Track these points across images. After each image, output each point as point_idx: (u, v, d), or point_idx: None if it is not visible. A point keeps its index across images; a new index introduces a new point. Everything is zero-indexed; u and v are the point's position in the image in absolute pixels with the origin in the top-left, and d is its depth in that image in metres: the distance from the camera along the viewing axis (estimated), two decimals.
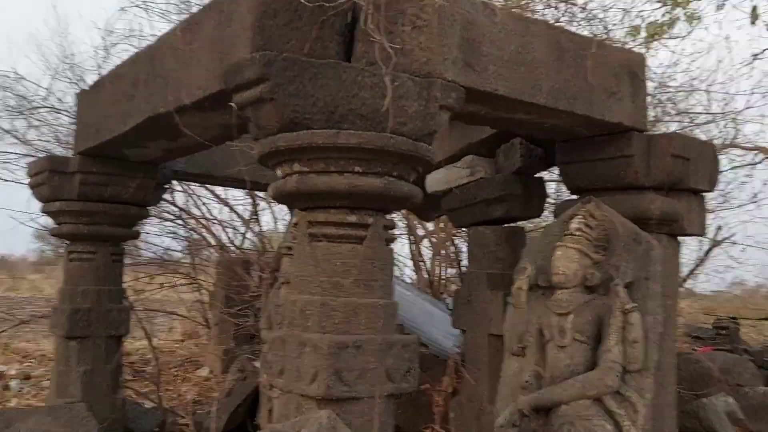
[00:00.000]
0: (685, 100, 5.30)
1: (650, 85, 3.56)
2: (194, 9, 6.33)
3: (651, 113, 3.56)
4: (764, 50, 4.62)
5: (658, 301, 2.96)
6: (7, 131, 6.39)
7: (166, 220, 7.28)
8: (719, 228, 6.98)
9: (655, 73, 4.41)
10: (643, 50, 4.08)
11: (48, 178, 4.11)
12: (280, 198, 2.33)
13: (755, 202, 6.66)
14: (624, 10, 4.37)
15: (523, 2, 3.90)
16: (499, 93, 2.65)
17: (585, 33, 3.51)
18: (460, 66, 2.54)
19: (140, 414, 4.70)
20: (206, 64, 2.77)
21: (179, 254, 8.34)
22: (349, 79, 2.27)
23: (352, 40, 2.53)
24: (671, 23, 5.66)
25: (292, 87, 2.20)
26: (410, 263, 7.00)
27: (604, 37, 3.40)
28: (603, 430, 2.80)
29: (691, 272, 7.31)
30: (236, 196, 7.54)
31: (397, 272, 6.23)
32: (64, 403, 4.04)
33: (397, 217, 5.84)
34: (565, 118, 3.01)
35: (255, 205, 6.68)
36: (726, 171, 5.94)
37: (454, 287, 5.91)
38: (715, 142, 5.13)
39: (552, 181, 5.17)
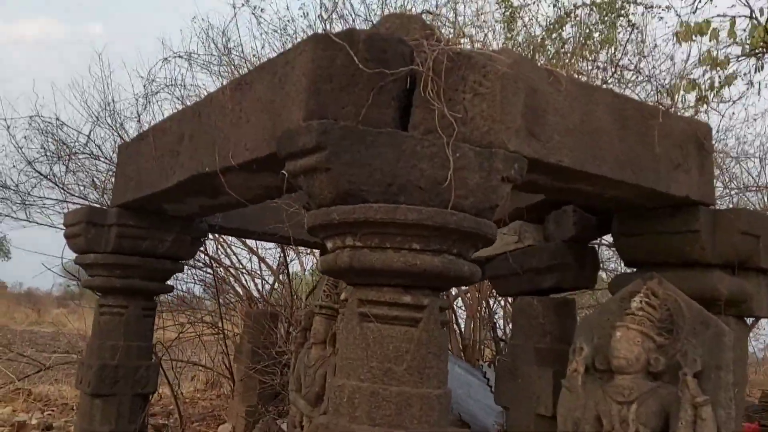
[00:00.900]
0: (738, 168, 5.10)
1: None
2: (238, 64, 6.38)
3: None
4: None
5: (730, 393, 2.72)
6: (45, 176, 6.39)
7: (195, 267, 7.20)
8: None
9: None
10: (701, 115, 3.93)
11: (84, 230, 4.03)
12: (330, 272, 2.17)
13: None
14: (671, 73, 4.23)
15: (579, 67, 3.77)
16: (564, 164, 2.50)
17: (649, 102, 3.35)
18: (524, 135, 2.40)
19: None
20: (256, 125, 2.67)
21: (207, 302, 8.25)
22: (407, 149, 2.13)
23: (408, 106, 2.41)
24: (722, 86, 5.52)
25: (348, 156, 2.07)
26: None
27: (668, 105, 3.23)
28: None
29: None
30: (266, 246, 7.46)
31: None
32: None
33: None
34: (629, 190, 2.84)
35: (285, 257, 6.56)
36: None
37: (488, 352, 5.67)
38: None
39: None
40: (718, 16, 5.33)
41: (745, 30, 5.53)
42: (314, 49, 2.24)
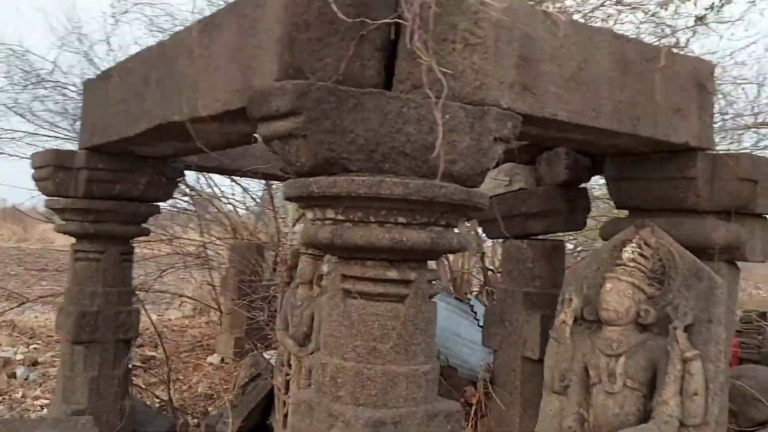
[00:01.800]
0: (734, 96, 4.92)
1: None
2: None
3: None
4: None
5: (721, 347, 2.68)
6: (10, 107, 6.08)
7: (174, 198, 7.03)
8: None
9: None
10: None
11: (52, 174, 3.83)
12: (312, 245, 2.04)
13: None
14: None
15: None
16: (559, 118, 2.33)
17: (651, 41, 3.14)
18: (517, 90, 2.21)
19: (149, 417, 4.51)
20: (226, 74, 2.46)
21: (192, 231, 8.13)
22: (393, 112, 1.95)
23: (394, 57, 2.21)
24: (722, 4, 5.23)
25: (328, 122, 1.89)
26: None
27: (671, 44, 3.03)
28: None
29: None
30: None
31: None
32: (70, 414, 3.86)
33: None
34: (627, 140, 2.69)
35: (269, 189, 6.39)
36: None
37: (476, 285, 5.64)
38: None
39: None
40: None
41: None
42: None
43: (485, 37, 2.13)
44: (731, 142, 5.28)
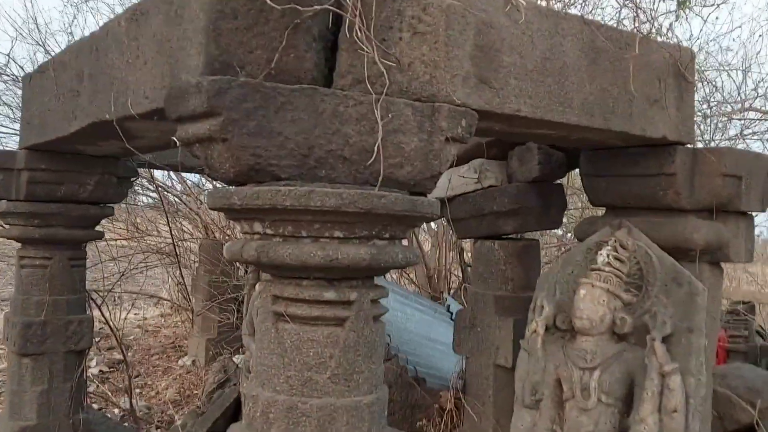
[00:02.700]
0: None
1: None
2: None
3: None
4: None
5: (702, 358, 2.47)
6: None
7: (140, 194, 6.78)
8: None
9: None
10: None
11: None
12: (239, 262, 1.80)
13: None
14: None
15: None
16: (522, 114, 2.10)
17: (630, 28, 2.91)
18: (473, 84, 1.98)
19: (108, 429, 4.27)
20: (154, 68, 2.21)
21: (163, 227, 7.86)
22: (328, 111, 1.72)
23: (335, 48, 1.97)
24: None
25: (252, 123, 1.65)
26: None
27: (648, 31, 2.81)
28: None
29: None
30: None
31: None
32: (18, 431, 3.63)
33: None
34: (599, 134, 2.47)
35: None
36: None
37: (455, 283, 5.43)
38: None
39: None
40: None
41: None
42: None
43: (435, 25, 1.90)
44: (716, 131, 5.08)
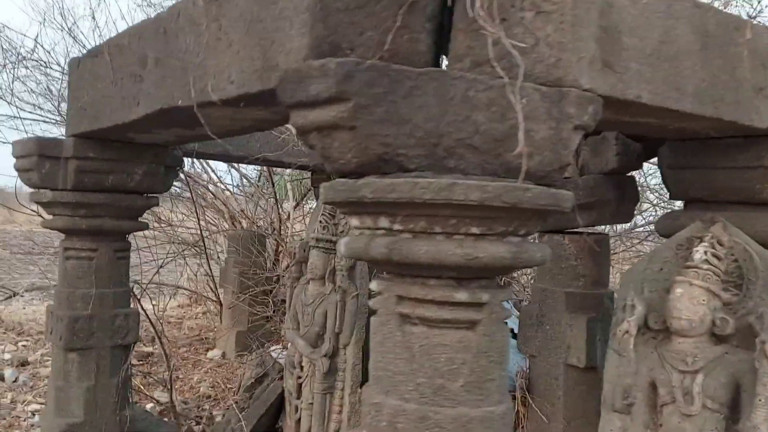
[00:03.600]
0: None
1: None
2: None
3: None
4: None
5: None
6: None
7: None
8: None
9: None
10: None
11: (37, 164, 3.43)
12: (359, 259, 1.67)
13: None
14: None
15: None
16: (642, 100, 1.96)
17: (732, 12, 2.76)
18: (598, 67, 1.84)
19: (151, 426, 4.16)
20: (242, 51, 2.07)
21: (185, 218, 7.72)
22: (458, 96, 1.58)
23: (440, 29, 1.83)
24: None
25: (380, 110, 1.51)
26: None
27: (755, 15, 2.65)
28: None
29: None
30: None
31: None
32: (65, 428, 3.51)
33: None
34: (706, 124, 2.32)
35: (270, 175, 5.98)
36: None
37: None
38: None
39: None
40: None
41: None
42: None
43: (561, 3, 1.75)
44: None
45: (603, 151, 3.08)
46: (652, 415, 2.51)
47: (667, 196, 3.08)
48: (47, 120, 6.10)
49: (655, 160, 3.06)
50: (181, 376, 5.67)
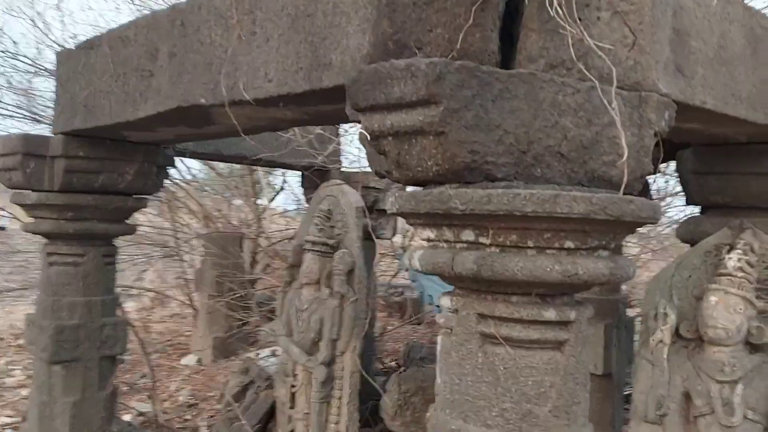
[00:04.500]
0: None
1: None
2: None
3: None
4: None
5: None
6: None
7: None
8: None
9: None
10: None
11: (22, 163, 3.19)
12: (435, 273, 1.54)
13: None
14: None
15: None
16: (707, 106, 1.89)
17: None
18: (671, 71, 1.77)
19: None
20: (282, 46, 1.92)
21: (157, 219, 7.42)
22: (547, 100, 1.47)
23: (503, 28, 1.72)
24: None
25: (470, 114, 1.39)
26: None
27: None
28: None
29: None
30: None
31: None
32: None
33: None
34: (754, 129, 2.28)
35: (252, 178, 5.78)
36: None
37: None
38: None
39: None
40: None
41: None
42: None
43: (640, 3, 1.66)
44: None
45: None
46: (685, 426, 2.47)
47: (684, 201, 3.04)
48: (10, 114, 5.75)
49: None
50: (157, 384, 5.42)
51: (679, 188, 3.30)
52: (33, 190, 3.27)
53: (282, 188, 6.94)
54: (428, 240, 1.56)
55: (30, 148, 3.17)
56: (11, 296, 6.90)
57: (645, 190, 3.19)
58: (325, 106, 2.02)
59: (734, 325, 2.37)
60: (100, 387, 3.48)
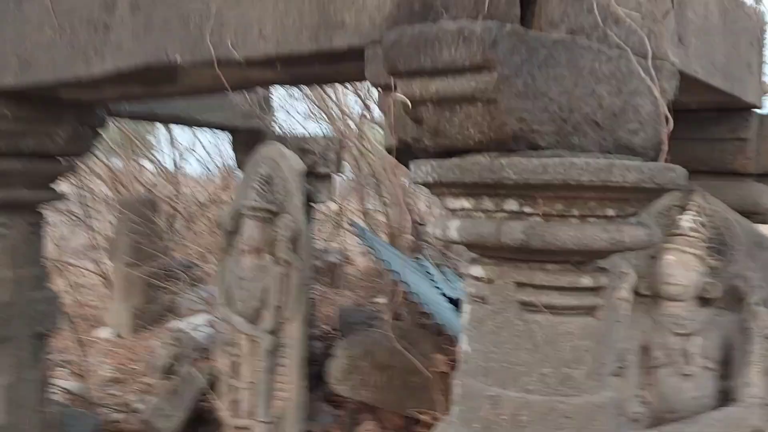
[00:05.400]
0: None
1: None
2: None
3: None
4: None
5: None
6: None
7: None
8: None
9: None
10: None
11: None
12: (477, 246, 1.52)
13: None
14: None
15: None
16: (699, 76, 1.98)
17: None
18: (676, 41, 1.82)
19: (72, 420, 3.71)
20: (280, 2, 1.80)
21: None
22: (586, 67, 1.48)
23: None
24: None
25: (520, 81, 1.37)
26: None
27: None
28: None
29: None
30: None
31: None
32: None
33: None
34: (723, 98, 2.41)
35: (171, 137, 5.48)
36: None
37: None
38: None
39: None
40: None
41: None
42: None
43: None
44: None
45: None
46: (644, 377, 2.63)
47: None
48: None
49: None
50: (75, 359, 5.11)
51: None
52: None
53: (192, 149, 6.65)
54: (462, 209, 1.53)
55: None
56: None
57: None
58: (326, 68, 1.92)
59: (690, 282, 2.54)
60: (33, 367, 3.23)
